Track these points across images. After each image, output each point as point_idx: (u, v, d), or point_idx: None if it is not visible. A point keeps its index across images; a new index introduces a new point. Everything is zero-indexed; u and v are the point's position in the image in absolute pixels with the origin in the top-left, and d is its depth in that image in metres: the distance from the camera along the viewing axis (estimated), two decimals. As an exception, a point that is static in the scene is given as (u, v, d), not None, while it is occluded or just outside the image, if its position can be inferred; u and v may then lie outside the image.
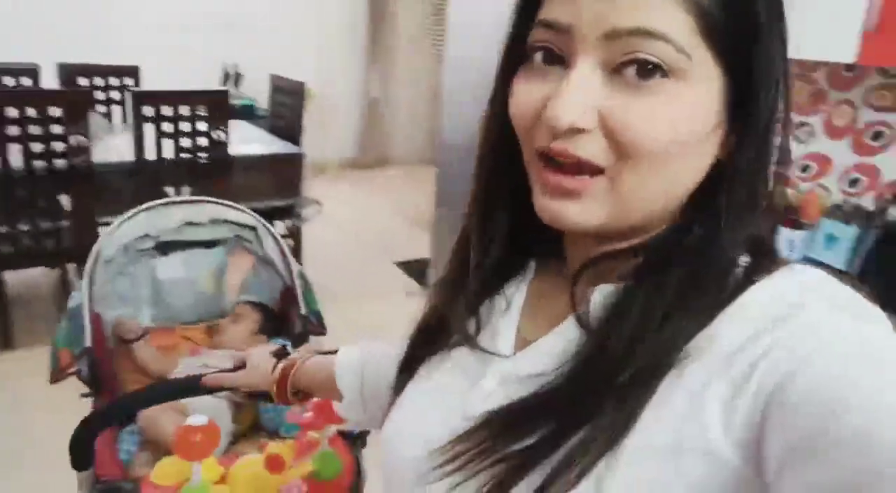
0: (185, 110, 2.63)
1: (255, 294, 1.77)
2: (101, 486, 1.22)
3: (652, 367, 0.41)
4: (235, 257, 1.74)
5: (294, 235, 3.26)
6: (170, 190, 2.64)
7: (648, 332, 0.41)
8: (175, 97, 2.65)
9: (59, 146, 2.40)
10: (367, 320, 2.86)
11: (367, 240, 4.37)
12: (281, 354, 0.90)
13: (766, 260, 0.44)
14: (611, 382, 0.41)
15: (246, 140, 3.18)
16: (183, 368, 1.53)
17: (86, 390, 1.47)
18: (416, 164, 6.64)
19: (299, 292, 1.66)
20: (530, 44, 0.44)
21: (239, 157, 2.88)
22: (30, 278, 3.03)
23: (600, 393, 0.41)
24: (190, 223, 1.63)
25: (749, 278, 0.43)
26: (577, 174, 0.42)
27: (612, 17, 0.39)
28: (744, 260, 0.44)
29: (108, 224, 1.56)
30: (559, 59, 0.43)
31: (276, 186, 3.07)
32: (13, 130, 2.33)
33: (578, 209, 0.43)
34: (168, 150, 2.64)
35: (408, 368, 0.58)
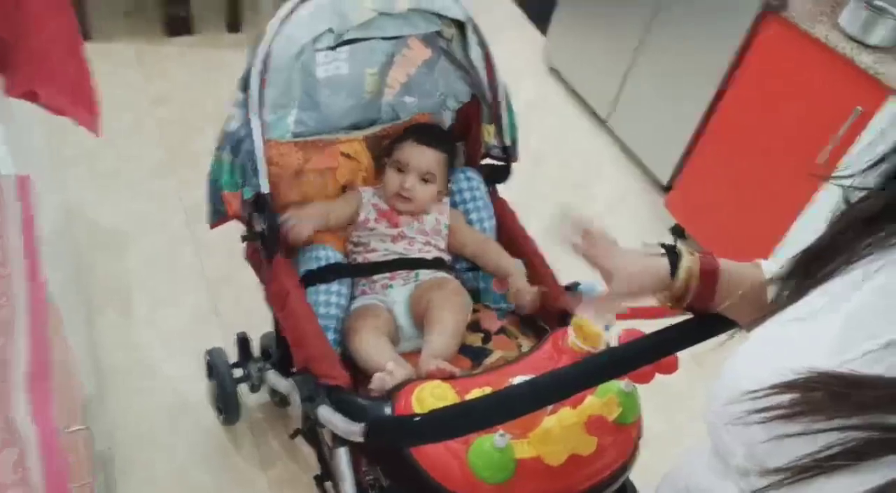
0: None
1: (417, 95, 1.41)
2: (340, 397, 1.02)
3: None
4: (409, 49, 1.34)
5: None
6: None
7: None
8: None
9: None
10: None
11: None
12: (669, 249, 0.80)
13: None
14: None
15: None
16: None
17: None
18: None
19: (504, 112, 1.37)
20: None
21: None
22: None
23: None
24: (383, 14, 1.24)
25: None
26: None
27: None
28: None
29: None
30: None
31: None
32: None
33: None
34: None
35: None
